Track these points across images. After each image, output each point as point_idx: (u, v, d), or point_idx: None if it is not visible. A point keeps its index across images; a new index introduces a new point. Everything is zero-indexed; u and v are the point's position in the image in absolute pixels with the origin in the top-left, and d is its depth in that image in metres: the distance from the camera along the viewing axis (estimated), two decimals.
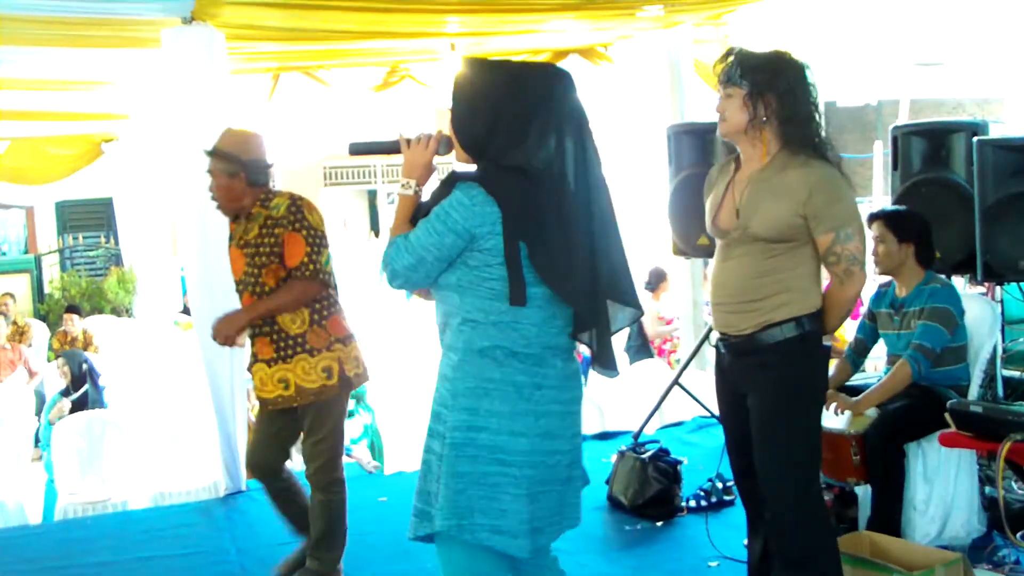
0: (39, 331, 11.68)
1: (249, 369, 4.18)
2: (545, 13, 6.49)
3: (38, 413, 8.12)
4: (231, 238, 4.14)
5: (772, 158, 3.23)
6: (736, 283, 3.29)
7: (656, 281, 8.63)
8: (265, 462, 4.24)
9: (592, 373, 8.72)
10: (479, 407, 2.54)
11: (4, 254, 15.05)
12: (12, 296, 12.10)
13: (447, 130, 2.70)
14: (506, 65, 2.87)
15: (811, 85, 3.22)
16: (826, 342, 3.34)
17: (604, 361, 2.73)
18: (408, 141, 2.70)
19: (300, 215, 3.96)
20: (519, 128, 2.53)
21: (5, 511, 6.22)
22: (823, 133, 3.24)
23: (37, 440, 7.54)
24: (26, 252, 15.12)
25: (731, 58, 3.23)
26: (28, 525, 6.17)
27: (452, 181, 2.59)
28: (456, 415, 2.55)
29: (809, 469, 3.31)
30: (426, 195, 2.68)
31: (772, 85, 3.16)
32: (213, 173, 4.02)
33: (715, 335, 3.45)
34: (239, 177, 3.99)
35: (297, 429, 4.16)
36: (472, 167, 2.63)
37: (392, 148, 2.76)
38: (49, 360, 9.97)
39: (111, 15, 5.37)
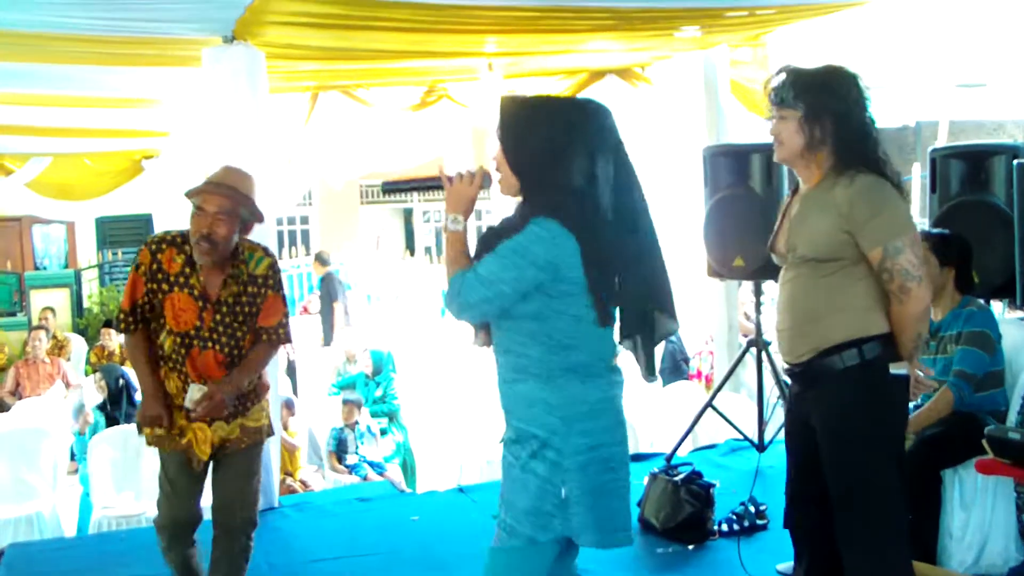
0: (78, 345, 11.82)
1: (171, 423, 3.80)
2: (582, 33, 6.50)
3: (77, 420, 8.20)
4: (168, 281, 3.71)
5: (824, 177, 3.13)
6: (792, 307, 3.20)
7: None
8: (194, 518, 3.93)
9: (625, 395, 8.73)
10: (594, 427, 2.72)
11: (45, 268, 15.25)
12: (52, 310, 12.29)
13: (487, 164, 2.81)
14: (553, 101, 3.06)
15: (866, 100, 3.11)
16: (899, 371, 3.10)
17: (648, 366, 2.92)
18: (450, 178, 2.79)
19: (279, 275, 3.83)
20: (568, 159, 2.67)
21: (42, 523, 6.28)
22: (880, 149, 3.11)
23: (73, 453, 7.61)
24: (66, 267, 15.32)
25: (783, 77, 3.13)
26: (63, 538, 6.22)
27: (532, 201, 2.71)
28: (576, 439, 2.70)
29: (883, 509, 3.07)
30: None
31: (828, 106, 3.06)
32: (221, 217, 3.63)
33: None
34: (248, 225, 3.76)
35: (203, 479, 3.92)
36: (511, 199, 2.81)
37: (433, 186, 2.86)
38: (87, 374, 10.09)
39: (153, 34, 5.43)
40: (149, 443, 3.89)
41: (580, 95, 8.18)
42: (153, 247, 3.74)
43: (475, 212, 2.95)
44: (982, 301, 4.48)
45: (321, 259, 11.89)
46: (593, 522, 2.71)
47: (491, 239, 2.74)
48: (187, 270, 3.70)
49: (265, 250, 3.84)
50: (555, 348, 2.69)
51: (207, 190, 3.66)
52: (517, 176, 2.74)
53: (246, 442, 3.87)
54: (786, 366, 3.29)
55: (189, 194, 3.68)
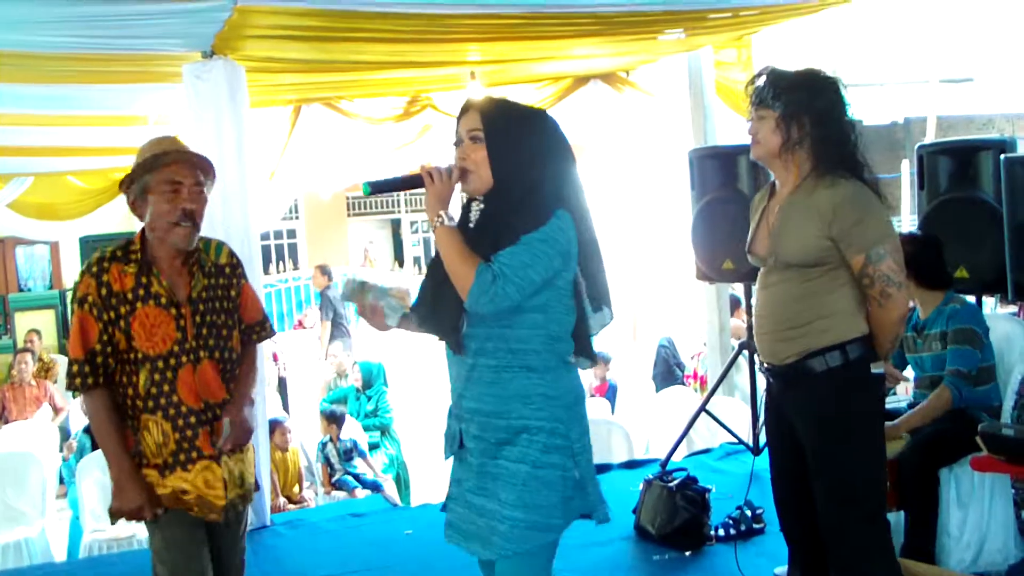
0: (64, 367, 11.73)
1: (162, 475, 3.12)
2: (565, 39, 6.48)
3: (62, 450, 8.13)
4: (127, 300, 3.09)
5: (803, 180, 3.17)
6: (776, 311, 3.23)
7: (731, 308, 8.54)
8: None
9: (619, 402, 8.73)
10: (584, 412, 2.88)
11: (30, 289, 15.16)
12: (38, 332, 12.18)
13: (458, 162, 2.83)
14: (531, 107, 3.03)
15: (845, 103, 3.16)
16: (876, 369, 3.19)
17: (590, 353, 2.96)
18: (430, 174, 2.79)
19: (240, 261, 3.38)
20: (550, 161, 2.78)
21: (32, 549, 6.22)
22: (858, 152, 3.16)
23: (61, 477, 7.54)
24: (51, 288, 15.22)
25: (763, 78, 3.18)
26: (53, 563, 6.16)
27: (503, 200, 2.75)
28: (578, 424, 2.82)
29: (868, 503, 3.16)
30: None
31: (806, 106, 3.11)
32: (194, 186, 3.15)
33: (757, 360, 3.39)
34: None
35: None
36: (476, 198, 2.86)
37: (415, 184, 2.84)
38: (74, 396, 10.00)
39: (132, 51, 5.39)
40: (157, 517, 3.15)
41: (564, 101, 8.19)
42: (94, 270, 3.10)
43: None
44: (963, 296, 4.46)
45: (324, 271, 11.87)
46: (602, 498, 2.87)
47: (472, 232, 2.79)
48: (144, 279, 3.10)
49: (219, 240, 3.38)
50: (551, 340, 2.77)
51: (178, 158, 3.14)
52: (498, 179, 2.77)
53: (250, 499, 3.38)
54: (766, 366, 3.34)
55: (145, 167, 3.12)
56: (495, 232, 2.73)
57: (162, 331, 3.09)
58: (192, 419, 3.12)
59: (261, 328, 3.43)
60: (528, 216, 2.70)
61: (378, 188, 2.91)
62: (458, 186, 2.82)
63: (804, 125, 3.11)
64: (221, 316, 3.24)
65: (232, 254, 3.35)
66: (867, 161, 3.17)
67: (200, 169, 3.18)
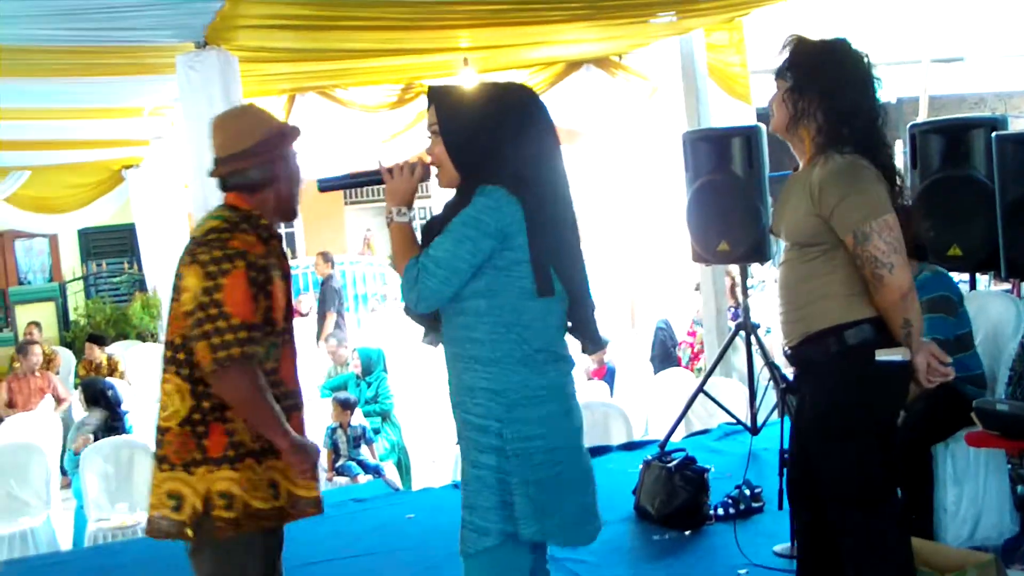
0: (66, 359, 11.76)
1: (266, 460, 2.86)
2: (556, 24, 6.48)
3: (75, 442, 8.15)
4: (273, 266, 2.86)
5: (811, 157, 3.04)
6: (783, 290, 3.13)
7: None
8: None
9: (617, 384, 8.76)
10: (536, 415, 2.64)
11: (30, 283, 15.18)
12: (37, 325, 12.18)
13: (427, 156, 2.76)
14: (487, 88, 2.90)
15: (868, 78, 2.99)
16: (885, 356, 2.96)
17: (596, 339, 2.84)
18: (390, 171, 2.74)
19: None
20: (510, 144, 2.63)
21: (37, 538, 6.25)
22: (876, 130, 2.99)
23: (63, 469, 7.56)
24: (51, 280, 15.24)
25: (786, 48, 3.03)
26: (59, 552, 6.19)
27: (470, 191, 2.62)
28: (517, 426, 2.62)
29: (868, 498, 3.01)
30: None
31: (814, 80, 2.96)
32: (293, 158, 3.02)
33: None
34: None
35: None
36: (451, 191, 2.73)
37: (371, 179, 2.80)
38: (75, 387, 10.04)
39: (125, 43, 5.40)
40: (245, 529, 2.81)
41: (557, 86, 8.20)
42: (246, 229, 2.83)
43: (418, 210, 2.87)
44: (937, 266, 4.41)
45: (326, 258, 11.84)
46: (532, 513, 2.60)
47: (436, 226, 2.68)
48: (267, 247, 2.86)
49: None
50: (501, 327, 2.61)
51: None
52: (459, 168, 2.68)
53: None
54: (786, 350, 3.21)
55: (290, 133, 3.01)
56: (444, 224, 2.65)
57: (279, 303, 2.87)
58: (287, 401, 2.90)
59: None
60: (464, 199, 2.61)
61: (330, 186, 2.87)
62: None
63: (813, 99, 2.96)
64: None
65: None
66: (884, 138, 3.00)
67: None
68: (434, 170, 2.76)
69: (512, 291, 2.62)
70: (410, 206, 2.75)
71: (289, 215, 2.99)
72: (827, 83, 2.95)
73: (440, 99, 2.73)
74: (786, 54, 3.03)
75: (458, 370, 2.70)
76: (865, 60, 3.02)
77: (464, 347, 2.67)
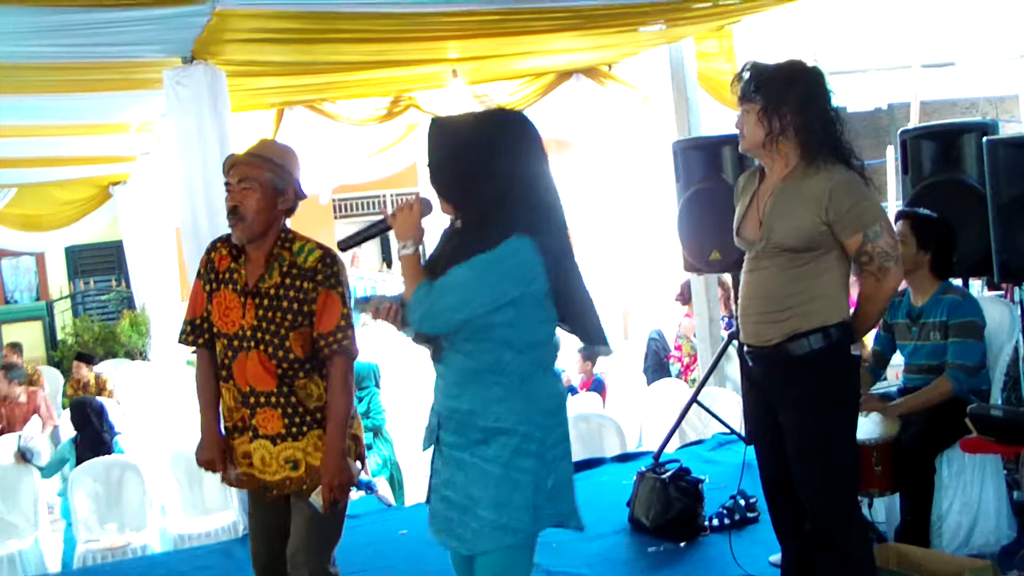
0: (52, 378, 11.63)
1: (231, 438, 3.46)
2: (545, 34, 6.47)
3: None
4: (218, 279, 3.40)
5: (792, 168, 3.24)
6: (764, 294, 3.29)
7: (689, 294, 8.54)
8: (271, 561, 3.46)
9: (610, 396, 8.72)
10: (564, 419, 2.89)
11: (16, 302, 15.09)
12: (13, 346, 11.73)
13: (424, 192, 2.87)
14: (472, 117, 3.04)
15: (828, 91, 3.23)
16: (855, 351, 3.31)
17: (594, 335, 2.93)
18: (393, 214, 2.85)
19: (336, 270, 3.35)
20: (499, 173, 2.73)
21: (25, 561, 6.19)
22: (843, 138, 3.24)
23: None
24: (38, 299, 15.16)
25: (746, 73, 3.25)
26: (48, 574, 6.13)
27: (474, 222, 2.75)
28: (556, 431, 2.82)
29: (850, 481, 3.33)
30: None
31: (786, 98, 3.17)
32: (246, 186, 3.29)
33: (737, 345, 3.43)
34: (285, 196, 3.36)
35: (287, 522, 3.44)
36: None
37: (384, 229, 2.91)
38: (64, 407, 9.95)
39: (112, 59, 5.37)
40: (232, 485, 3.62)
41: (547, 96, 8.18)
42: (209, 248, 3.48)
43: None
44: (960, 284, 4.47)
45: None
46: (576, 508, 2.88)
47: (441, 260, 2.81)
48: (233, 264, 3.37)
49: (320, 245, 3.40)
50: (526, 348, 2.77)
51: (232, 161, 3.37)
52: (451, 199, 2.81)
53: (309, 484, 3.35)
54: (748, 348, 3.39)
55: (224, 171, 3.38)
56: (454, 253, 2.78)
57: (232, 314, 3.35)
58: (240, 398, 3.37)
59: (333, 341, 3.31)
60: (481, 236, 2.72)
61: (349, 244, 3.02)
62: None
63: (785, 116, 3.17)
64: (286, 316, 3.29)
65: (323, 260, 3.35)
66: (853, 147, 3.25)
67: (252, 166, 3.33)
68: (436, 200, 2.88)
69: (531, 320, 2.77)
70: (418, 239, 2.84)
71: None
72: (796, 100, 3.18)
73: (428, 135, 2.86)
74: (747, 77, 3.24)
75: (484, 381, 2.77)
76: (821, 74, 3.25)
77: (489, 362, 2.76)
